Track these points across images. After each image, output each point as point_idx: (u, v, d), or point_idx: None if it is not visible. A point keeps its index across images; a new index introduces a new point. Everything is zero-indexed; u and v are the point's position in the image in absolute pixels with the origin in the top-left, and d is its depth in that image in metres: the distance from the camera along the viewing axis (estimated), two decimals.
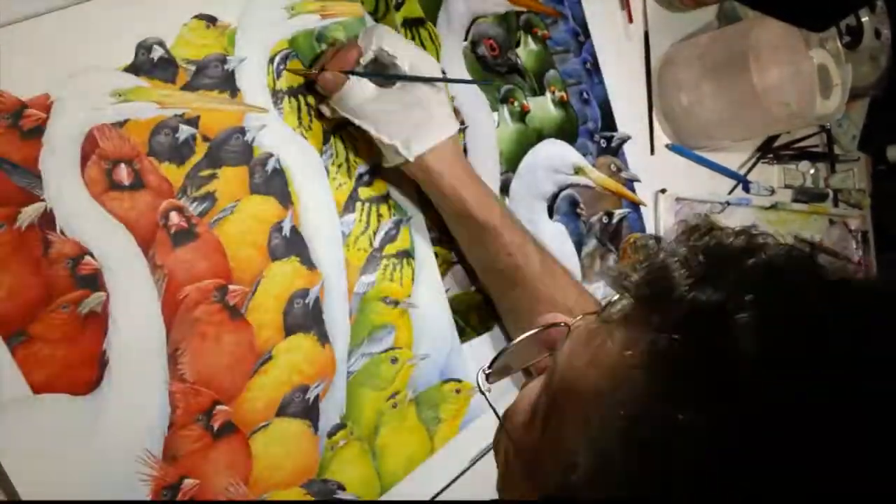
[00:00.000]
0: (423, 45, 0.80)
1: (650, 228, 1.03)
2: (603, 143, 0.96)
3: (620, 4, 1.02)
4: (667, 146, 1.07)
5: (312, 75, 0.71)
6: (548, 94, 0.92)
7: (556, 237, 0.89)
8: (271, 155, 0.71)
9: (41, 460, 0.57)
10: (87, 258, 0.61)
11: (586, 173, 0.91)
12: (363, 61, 0.70)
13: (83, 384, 0.60)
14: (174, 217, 0.65)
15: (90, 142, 0.62)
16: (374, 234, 0.76)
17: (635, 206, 0.99)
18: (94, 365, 0.61)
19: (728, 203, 1.13)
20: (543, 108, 0.92)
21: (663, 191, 1.04)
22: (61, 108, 0.61)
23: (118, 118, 0.64)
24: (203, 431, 0.65)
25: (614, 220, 0.95)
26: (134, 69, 0.65)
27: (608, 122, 0.98)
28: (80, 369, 0.60)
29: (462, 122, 0.82)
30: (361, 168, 0.76)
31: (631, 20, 1.02)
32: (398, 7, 0.79)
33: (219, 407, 0.65)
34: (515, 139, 0.88)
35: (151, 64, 0.66)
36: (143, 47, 0.66)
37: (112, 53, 0.64)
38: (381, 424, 0.74)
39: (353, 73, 0.70)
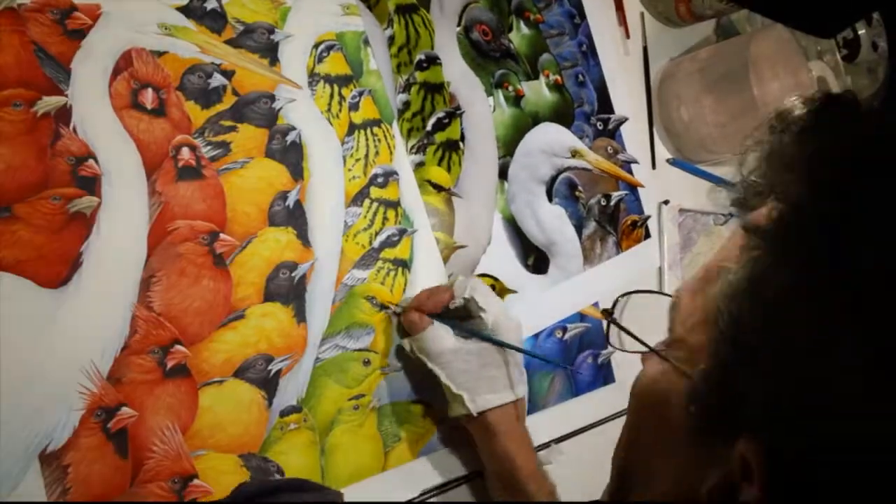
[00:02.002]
0: (416, 32, 0.81)
1: (651, 244, 1.02)
2: (599, 126, 0.95)
3: (618, 20, 1.03)
4: (668, 161, 1.06)
5: (396, 312, 0.74)
6: (542, 78, 0.91)
7: (555, 220, 0.87)
8: (294, 128, 0.72)
9: None
10: (91, 161, 0.62)
11: (583, 156, 0.90)
12: (452, 306, 0.72)
13: (52, 278, 0.59)
14: (185, 152, 0.66)
15: (125, 59, 0.65)
16: (376, 234, 0.76)
17: (633, 187, 0.98)
18: (67, 263, 0.60)
19: (731, 215, 1.11)
20: (538, 92, 0.91)
21: (666, 202, 1.02)
22: (107, 21, 0.64)
23: (158, 48, 0.66)
24: (155, 365, 0.62)
25: (612, 202, 0.94)
26: (186, 11, 0.68)
27: (605, 104, 0.97)
28: (52, 263, 0.59)
29: (458, 108, 0.82)
30: (378, 169, 0.76)
31: (628, 36, 1.03)
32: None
33: (178, 346, 0.63)
34: (511, 124, 0.88)
35: (203, 11, 0.69)
36: None
37: None
38: (338, 422, 0.70)
39: (438, 317, 0.72)
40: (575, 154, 0.89)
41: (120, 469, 0.60)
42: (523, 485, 0.71)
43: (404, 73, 0.79)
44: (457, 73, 0.84)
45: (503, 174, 0.86)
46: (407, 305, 0.73)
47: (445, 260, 0.79)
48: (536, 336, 0.86)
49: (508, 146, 0.87)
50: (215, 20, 0.69)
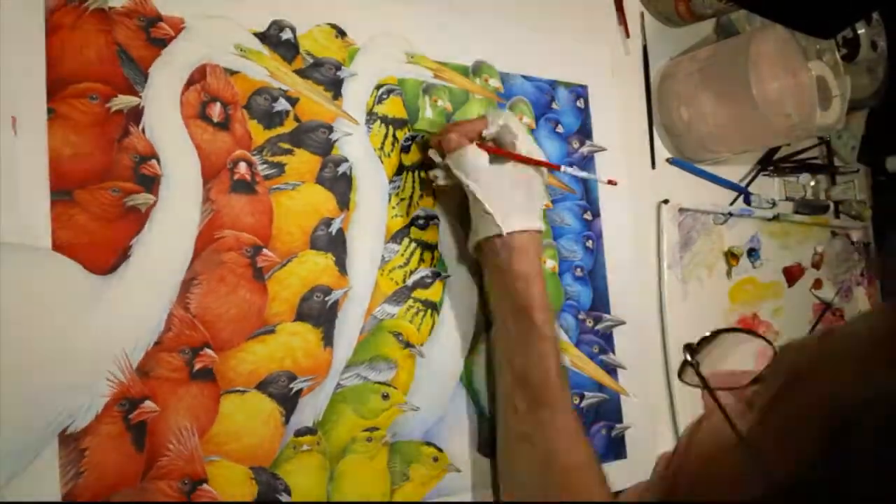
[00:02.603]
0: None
1: (650, 249, 1.00)
2: (589, 324, 0.91)
3: (618, 19, 1.03)
4: (667, 160, 1.06)
5: (443, 134, 0.76)
6: None
7: None
8: (346, 160, 0.74)
9: (30, 307, 0.57)
10: (153, 161, 0.64)
11: (565, 350, 0.86)
12: (486, 133, 0.75)
13: (100, 265, 0.61)
14: (242, 167, 0.69)
15: (200, 72, 0.68)
16: (411, 273, 0.77)
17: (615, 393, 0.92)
18: (116, 253, 0.62)
19: (730, 214, 1.10)
20: None
21: (666, 201, 1.02)
22: (189, 35, 0.68)
23: (232, 67, 0.70)
24: (183, 365, 0.63)
25: (583, 404, 0.88)
26: (262, 37, 0.72)
27: (601, 303, 0.93)
28: (103, 250, 0.61)
29: (445, 272, 0.81)
30: (421, 211, 0.79)
31: (628, 35, 1.04)
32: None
33: (207, 350, 0.64)
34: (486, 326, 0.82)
35: (278, 40, 0.72)
36: (277, 25, 0.73)
37: (250, 17, 0.71)
38: (350, 451, 0.71)
39: (478, 143, 0.75)
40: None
41: (134, 461, 0.60)
42: (532, 314, 0.72)
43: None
44: (449, 236, 0.81)
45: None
46: (443, 129, 0.77)
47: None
48: None
49: (489, 322, 0.80)
50: (288, 50, 0.73)
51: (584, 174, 0.86)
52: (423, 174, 0.80)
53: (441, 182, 0.77)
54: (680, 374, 0.49)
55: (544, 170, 0.77)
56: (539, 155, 0.77)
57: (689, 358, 0.47)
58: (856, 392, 0.34)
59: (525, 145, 0.76)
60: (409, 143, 0.79)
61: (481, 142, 0.75)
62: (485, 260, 0.76)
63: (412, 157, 0.79)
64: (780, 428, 0.38)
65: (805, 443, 0.35)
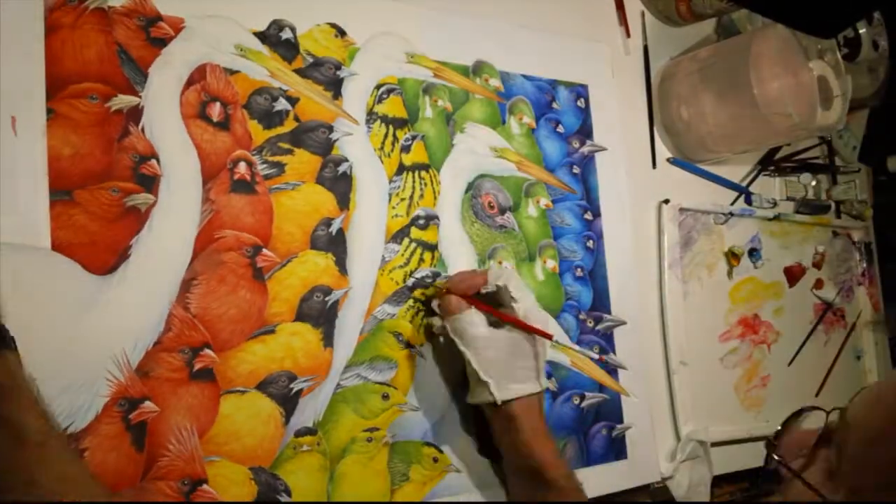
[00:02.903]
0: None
1: (651, 249, 1.00)
2: (590, 324, 0.91)
3: (618, 19, 1.03)
4: (668, 160, 1.06)
5: (440, 292, 0.76)
6: (538, 262, 0.88)
7: None
8: (346, 160, 0.74)
9: (29, 307, 0.57)
10: (153, 161, 0.64)
11: (565, 350, 0.86)
12: (484, 290, 0.74)
13: (100, 264, 0.61)
14: (242, 167, 0.68)
15: (200, 72, 0.68)
16: (411, 273, 0.77)
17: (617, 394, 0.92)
18: (116, 254, 0.62)
19: (731, 214, 1.10)
20: (532, 274, 0.87)
21: (666, 201, 1.02)
22: (189, 35, 0.68)
23: (231, 66, 0.70)
24: (183, 365, 0.63)
25: (584, 404, 0.88)
26: (262, 37, 0.72)
27: (602, 303, 0.92)
28: (102, 250, 0.61)
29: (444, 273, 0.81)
30: (421, 211, 0.79)
31: (629, 35, 1.03)
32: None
33: (207, 350, 0.64)
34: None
35: (278, 40, 0.72)
36: (277, 24, 0.73)
37: (250, 17, 0.71)
38: (350, 451, 0.71)
39: (477, 303, 0.73)
40: (556, 345, 0.81)
41: (134, 461, 0.60)
42: (544, 473, 0.72)
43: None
44: (450, 236, 0.81)
45: None
46: (442, 285, 0.76)
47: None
48: (554, 399, 0.86)
49: None
50: (288, 49, 0.73)
51: (577, 349, 0.83)
52: (423, 174, 0.79)
53: (438, 331, 0.75)
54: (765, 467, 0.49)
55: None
56: (539, 317, 0.75)
57: (775, 456, 0.48)
58: None
59: (524, 308, 0.74)
60: (410, 142, 0.79)
61: (479, 300, 0.74)
62: (487, 418, 0.76)
63: (413, 156, 0.79)
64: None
65: None
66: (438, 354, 0.78)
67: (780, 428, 0.52)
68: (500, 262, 0.84)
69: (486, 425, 0.76)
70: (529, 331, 0.73)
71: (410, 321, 0.77)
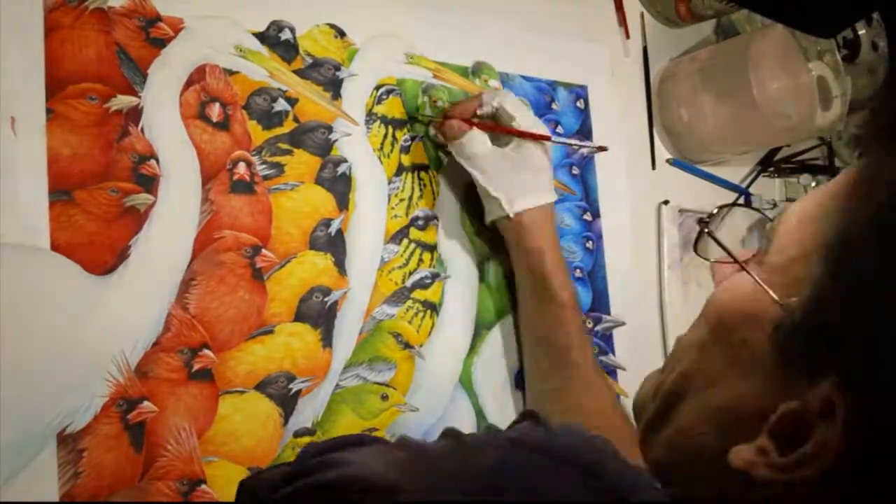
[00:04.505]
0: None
1: (650, 250, 1.00)
2: (589, 325, 0.90)
3: (618, 20, 1.03)
4: (668, 161, 1.06)
5: (439, 119, 0.77)
6: None
7: None
8: (346, 160, 0.74)
9: (28, 308, 0.57)
10: (152, 162, 0.64)
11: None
12: (481, 112, 0.76)
13: (99, 265, 0.61)
14: (241, 167, 0.69)
15: (199, 73, 0.68)
16: (410, 274, 0.77)
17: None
18: (115, 254, 0.62)
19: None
20: None
21: (666, 202, 1.02)
22: (188, 36, 0.68)
23: (231, 67, 0.70)
24: (182, 365, 0.63)
25: None
26: (261, 37, 0.72)
27: (601, 304, 0.92)
28: (101, 251, 0.61)
29: (445, 272, 0.81)
30: (420, 212, 0.79)
31: (628, 36, 1.03)
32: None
33: (206, 351, 0.64)
34: (496, 299, 0.83)
35: (277, 41, 0.72)
36: (276, 25, 0.73)
37: (249, 17, 0.71)
38: None
39: (478, 123, 0.75)
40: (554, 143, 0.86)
41: (132, 462, 0.60)
42: (550, 283, 0.75)
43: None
44: (449, 236, 0.81)
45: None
46: (441, 112, 0.77)
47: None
48: None
49: (487, 321, 0.82)
50: (287, 50, 0.73)
51: (574, 142, 0.86)
52: (422, 175, 0.79)
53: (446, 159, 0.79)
54: (696, 247, 0.49)
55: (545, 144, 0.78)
56: (539, 127, 0.78)
57: (706, 229, 0.47)
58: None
59: (524, 122, 0.76)
60: (409, 143, 0.79)
61: (479, 121, 0.76)
62: (502, 235, 0.79)
63: (412, 157, 0.79)
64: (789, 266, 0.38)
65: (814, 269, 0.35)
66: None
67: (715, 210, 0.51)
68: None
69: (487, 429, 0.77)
70: (526, 136, 0.75)
71: (409, 322, 0.76)
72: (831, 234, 0.35)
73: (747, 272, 0.39)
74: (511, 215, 0.75)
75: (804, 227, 0.38)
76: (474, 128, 0.75)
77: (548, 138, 0.76)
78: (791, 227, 0.39)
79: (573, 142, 0.85)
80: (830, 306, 0.34)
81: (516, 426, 0.50)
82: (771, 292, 0.37)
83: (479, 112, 0.76)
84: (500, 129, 0.76)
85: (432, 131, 0.78)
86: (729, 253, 0.43)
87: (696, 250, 0.49)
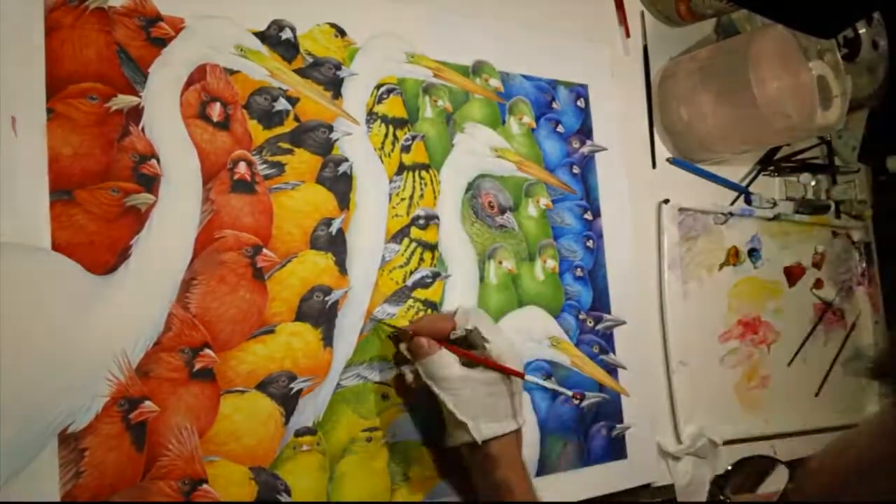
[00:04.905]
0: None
1: (651, 249, 1.00)
2: (590, 324, 0.91)
3: (618, 19, 1.03)
4: (668, 160, 1.06)
5: (407, 335, 0.73)
6: (538, 262, 0.87)
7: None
8: (346, 160, 0.74)
9: (29, 308, 0.57)
10: (153, 161, 0.64)
11: (565, 350, 0.87)
12: (453, 336, 0.73)
13: (99, 264, 0.61)
14: (242, 167, 0.68)
15: (199, 72, 0.68)
16: (411, 273, 0.77)
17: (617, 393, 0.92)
18: (116, 253, 0.62)
19: (731, 214, 1.10)
20: (531, 274, 0.87)
21: (666, 201, 1.02)
22: (189, 35, 0.68)
23: (231, 66, 0.70)
24: (183, 365, 0.63)
25: (584, 404, 0.89)
26: (262, 37, 0.72)
27: (602, 303, 0.92)
28: (102, 250, 0.61)
29: (445, 271, 0.80)
30: (421, 211, 0.79)
31: (628, 35, 1.03)
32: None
33: (207, 350, 0.64)
34: (497, 297, 0.84)
35: (278, 40, 0.72)
36: (277, 24, 0.73)
37: (250, 17, 0.71)
38: (349, 451, 0.71)
39: (450, 342, 0.72)
40: (556, 344, 0.86)
41: (134, 461, 0.60)
42: None
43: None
44: (450, 236, 0.81)
45: None
46: (408, 328, 0.73)
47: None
48: (554, 398, 0.86)
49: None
50: (288, 49, 0.73)
51: (549, 385, 0.79)
52: (423, 174, 0.80)
53: (410, 381, 0.73)
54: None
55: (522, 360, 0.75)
56: (512, 357, 0.74)
57: (723, 497, 0.48)
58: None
59: (496, 350, 0.72)
60: (410, 142, 0.79)
61: (450, 343, 0.72)
62: (466, 460, 0.73)
63: (413, 156, 0.79)
64: None
65: None
66: (414, 401, 0.76)
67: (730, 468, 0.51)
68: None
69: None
70: (502, 371, 0.72)
71: (410, 321, 0.76)
72: None
73: None
74: (479, 441, 0.70)
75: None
76: (443, 348, 0.71)
77: (521, 375, 0.73)
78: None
79: (548, 384, 0.78)
80: None
81: None
82: None
83: (451, 336, 0.72)
84: (473, 357, 0.72)
85: (402, 346, 0.73)
86: None
87: None
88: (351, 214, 0.74)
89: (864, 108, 1.33)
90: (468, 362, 0.72)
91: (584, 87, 0.95)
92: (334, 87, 0.75)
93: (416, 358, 0.71)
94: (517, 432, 0.73)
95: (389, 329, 0.75)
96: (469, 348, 0.73)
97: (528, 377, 0.73)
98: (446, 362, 0.70)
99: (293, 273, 0.70)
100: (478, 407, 0.70)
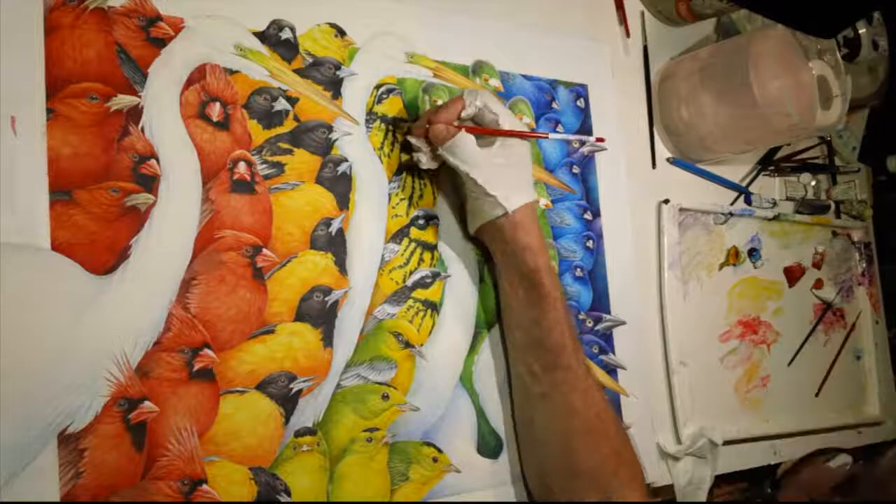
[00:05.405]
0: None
1: (650, 249, 1.00)
2: (589, 324, 0.91)
3: (618, 19, 1.03)
4: (668, 160, 1.06)
5: (423, 124, 0.75)
6: None
7: None
8: (346, 160, 0.74)
9: (29, 307, 0.57)
10: (153, 161, 0.64)
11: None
12: (465, 114, 0.75)
13: (99, 265, 0.61)
14: (242, 167, 0.68)
15: (199, 72, 0.68)
16: (410, 273, 0.77)
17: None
18: (116, 253, 0.62)
19: (731, 214, 1.10)
20: None
21: (666, 201, 1.02)
22: (189, 35, 0.68)
23: (231, 66, 0.70)
24: (183, 365, 0.63)
25: None
26: (262, 37, 0.72)
27: (602, 303, 0.92)
28: (102, 250, 0.61)
29: (446, 272, 0.81)
30: (420, 211, 0.79)
31: (629, 34, 1.04)
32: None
33: (207, 350, 0.64)
34: (494, 300, 0.82)
35: (277, 40, 0.72)
36: (277, 24, 0.73)
37: (250, 17, 0.71)
38: (350, 452, 0.71)
39: (465, 126, 0.74)
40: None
41: (133, 461, 0.60)
42: (542, 280, 0.75)
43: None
44: (449, 236, 0.81)
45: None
46: (423, 116, 0.77)
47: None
48: None
49: (487, 323, 0.82)
50: (287, 49, 0.73)
51: (572, 137, 0.85)
52: (423, 174, 0.79)
53: (425, 165, 0.77)
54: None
55: (527, 140, 0.78)
56: (522, 127, 0.79)
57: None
58: None
59: (507, 123, 0.76)
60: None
61: (463, 123, 0.75)
62: (490, 239, 0.78)
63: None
64: None
65: None
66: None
67: (795, 462, 0.51)
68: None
69: (489, 430, 0.76)
70: (525, 136, 0.76)
71: (410, 321, 0.76)
72: None
73: None
74: (510, 212, 0.74)
75: None
76: (462, 129, 0.74)
77: (545, 136, 0.77)
78: None
79: (571, 136, 0.84)
80: None
81: None
82: None
83: (463, 114, 0.75)
84: (495, 131, 0.75)
85: (413, 139, 0.76)
86: None
87: None
88: (350, 214, 0.74)
89: (864, 108, 1.33)
90: (483, 140, 0.76)
91: (584, 87, 0.95)
92: (334, 87, 0.75)
93: (438, 143, 0.75)
94: (535, 202, 0.78)
95: (405, 126, 0.78)
96: (479, 125, 0.77)
97: (552, 135, 0.79)
98: (468, 142, 0.74)
99: (293, 273, 0.70)
100: (503, 179, 0.75)
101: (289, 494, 0.67)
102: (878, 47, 1.25)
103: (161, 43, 0.66)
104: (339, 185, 0.74)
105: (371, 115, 0.77)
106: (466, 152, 0.74)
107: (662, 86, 1.06)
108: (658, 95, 1.06)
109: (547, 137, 0.77)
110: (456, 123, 0.74)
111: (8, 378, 0.55)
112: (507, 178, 0.75)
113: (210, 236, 0.66)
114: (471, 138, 0.74)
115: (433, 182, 0.81)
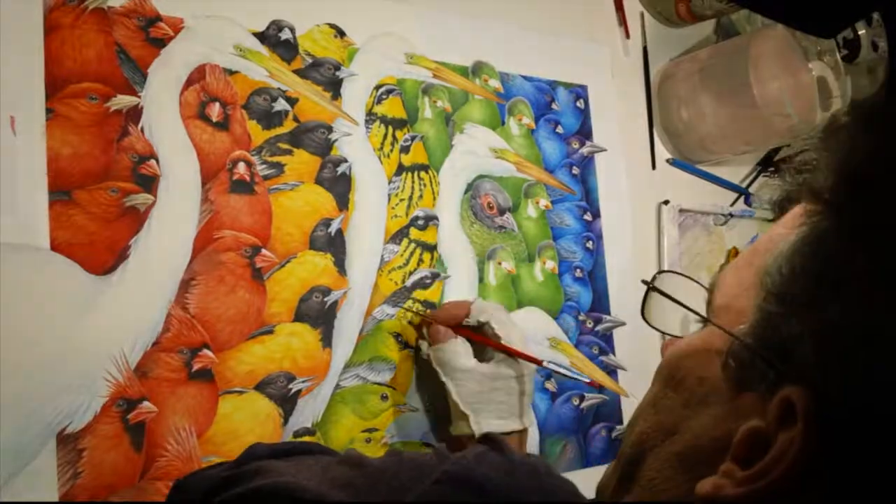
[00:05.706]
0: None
1: (650, 250, 1.00)
2: (589, 325, 0.90)
3: (618, 20, 1.03)
4: (668, 161, 1.06)
5: (427, 321, 0.74)
6: (537, 263, 0.87)
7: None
8: (346, 160, 0.74)
9: (28, 307, 0.57)
10: (152, 161, 0.64)
11: (564, 350, 0.87)
12: (465, 323, 0.73)
13: (98, 265, 0.61)
14: (241, 167, 0.68)
15: (199, 72, 0.68)
16: (410, 274, 0.77)
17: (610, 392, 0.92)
18: (115, 254, 0.62)
19: (731, 215, 1.10)
20: (531, 275, 0.87)
21: (666, 202, 1.02)
22: (188, 35, 0.68)
23: (231, 67, 0.70)
24: (182, 365, 0.63)
25: (583, 405, 0.89)
26: (261, 37, 0.72)
27: (601, 304, 0.92)
28: (101, 251, 0.61)
29: (445, 272, 0.81)
30: (420, 212, 0.79)
31: (628, 35, 1.04)
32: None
33: (206, 351, 0.64)
34: (496, 298, 0.83)
35: (277, 40, 0.72)
36: (276, 25, 0.73)
37: (249, 17, 0.71)
38: None
39: (464, 331, 0.72)
40: (556, 345, 0.86)
41: (132, 461, 0.60)
42: None
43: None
44: (449, 237, 0.81)
45: None
46: (428, 315, 0.75)
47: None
48: (553, 400, 0.86)
49: None
50: (287, 50, 0.73)
51: (565, 371, 0.77)
52: (422, 175, 0.80)
53: (423, 355, 0.74)
54: (643, 312, 0.49)
55: (529, 367, 0.74)
56: (527, 351, 0.73)
57: (652, 284, 0.48)
58: None
59: (515, 341, 0.72)
60: (409, 143, 0.79)
61: (464, 328, 0.73)
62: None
63: (412, 157, 0.79)
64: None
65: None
66: (426, 383, 0.77)
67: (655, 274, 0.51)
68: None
69: None
70: (517, 356, 0.71)
71: (410, 322, 0.76)
72: (767, 263, 0.36)
73: (696, 312, 0.42)
74: (477, 435, 0.69)
75: (740, 271, 0.40)
76: (459, 337, 0.72)
77: (539, 362, 0.72)
78: (728, 274, 0.42)
79: (563, 370, 0.76)
80: (775, 321, 0.34)
81: (473, 450, 0.46)
82: (720, 326, 0.38)
83: (464, 323, 0.73)
84: (490, 343, 0.72)
85: (425, 330, 0.74)
86: (676, 301, 0.44)
87: (643, 315, 0.49)
88: (350, 215, 0.74)
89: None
90: (484, 358, 0.72)
91: (584, 87, 0.95)
92: (333, 87, 0.75)
93: (432, 343, 0.72)
94: (521, 433, 0.72)
95: (413, 315, 0.76)
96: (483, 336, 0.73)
97: (546, 363, 0.73)
98: (458, 351, 0.71)
99: (292, 273, 0.70)
100: (483, 401, 0.70)
101: None
102: (877, 48, 1.25)
103: (161, 43, 0.66)
104: (339, 185, 0.74)
105: (370, 116, 0.77)
106: (452, 361, 0.71)
107: (662, 87, 1.06)
108: (658, 96, 1.06)
109: (541, 364, 0.72)
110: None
111: (7, 378, 0.55)
112: (488, 401, 0.71)
113: (209, 237, 0.66)
114: (464, 349, 0.71)
115: (435, 180, 0.81)
